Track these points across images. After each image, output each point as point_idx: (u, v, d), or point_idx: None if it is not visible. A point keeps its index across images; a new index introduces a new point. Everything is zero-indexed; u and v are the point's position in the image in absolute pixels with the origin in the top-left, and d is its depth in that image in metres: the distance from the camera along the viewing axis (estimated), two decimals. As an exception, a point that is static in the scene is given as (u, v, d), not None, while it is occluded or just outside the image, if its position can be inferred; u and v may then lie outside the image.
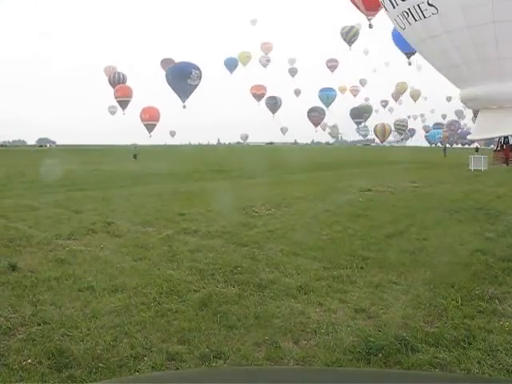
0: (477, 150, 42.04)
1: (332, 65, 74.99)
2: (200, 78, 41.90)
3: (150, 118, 52.30)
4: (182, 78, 40.47)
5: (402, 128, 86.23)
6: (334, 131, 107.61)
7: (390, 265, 6.11)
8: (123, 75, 59.76)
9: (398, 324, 4.26)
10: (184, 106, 42.39)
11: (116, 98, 55.96)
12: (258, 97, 71.65)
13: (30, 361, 3.61)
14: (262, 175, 20.37)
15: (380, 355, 3.65)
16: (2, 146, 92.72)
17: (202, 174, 21.61)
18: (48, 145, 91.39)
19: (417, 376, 1.79)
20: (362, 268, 6.02)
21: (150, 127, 52.37)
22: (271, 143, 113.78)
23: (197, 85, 41.77)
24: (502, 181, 17.85)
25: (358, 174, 21.27)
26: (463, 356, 3.67)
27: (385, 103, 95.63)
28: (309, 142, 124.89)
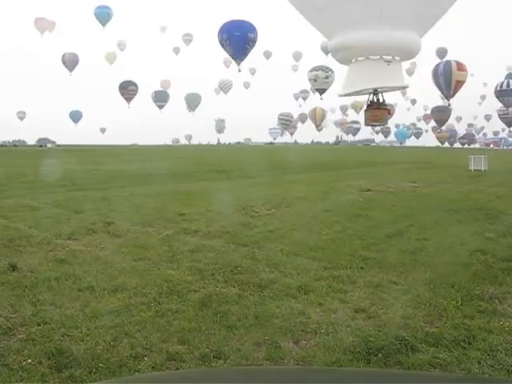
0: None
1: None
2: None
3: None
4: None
5: (285, 122, 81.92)
6: (219, 124, 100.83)
7: (390, 265, 6.11)
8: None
9: (398, 324, 4.26)
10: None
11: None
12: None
13: (30, 361, 3.61)
14: (261, 175, 20.37)
15: (380, 355, 3.66)
16: (1, 146, 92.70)
17: (201, 174, 21.60)
18: (48, 145, 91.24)
19: (417, 376, 1.79)
20: (362, 268, 6.02)
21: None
22: (271, 143, 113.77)
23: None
24: (501, 181, 17.84)
25: (357, 174, 21.27)
26: (463, 356, 3.67)
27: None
28: (309, 141, 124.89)
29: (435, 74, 41.04)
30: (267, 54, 73.48)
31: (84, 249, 7.05)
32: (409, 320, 4.36)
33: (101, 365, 3.54)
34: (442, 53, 67.31)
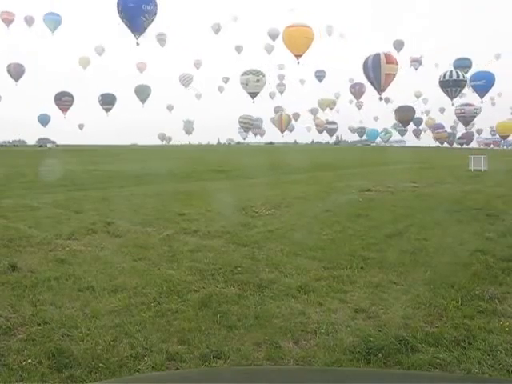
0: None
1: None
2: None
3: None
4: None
5: (246, 125, 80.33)
6: (187, 125, 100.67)
7: (390, 265, 6.11)
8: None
9: (398, 324, 4.26)
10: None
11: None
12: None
13: (30, 361, 3.61)
14: (261, 175, 20.37)
15: (380, 355, 3.66)
16: (1, 146, 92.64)
17: (201, 174, 21.60)
18: (48, 145, 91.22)
19: (417, 376, 1.80)
20: (362, 268, 6.02)
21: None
22: (271, 143, 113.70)
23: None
24: (501, 181, 17.84)
25: (357, 174, 21.28)
26: (463, 356, 3.67)
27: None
28: (309, 141, 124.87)
29: (365, 67, 39.00)
30: (238, 49, 73.93)
31: (84, 249, 7.05)
32: (409, 320, 4.36)
33: (101, 365, 3.54)
34: (399, 45, 67.02)
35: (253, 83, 50.41)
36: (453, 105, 52.65)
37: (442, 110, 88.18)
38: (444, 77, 48.26)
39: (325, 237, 7.90)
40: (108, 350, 3.77)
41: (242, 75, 51.48)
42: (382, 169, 26.92)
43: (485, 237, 7.89)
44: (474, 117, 58.92)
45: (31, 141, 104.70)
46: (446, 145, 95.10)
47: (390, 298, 4.98)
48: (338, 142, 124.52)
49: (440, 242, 7.52)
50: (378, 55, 39.01)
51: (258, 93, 51.35)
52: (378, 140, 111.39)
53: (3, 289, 5.22)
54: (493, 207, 11.15)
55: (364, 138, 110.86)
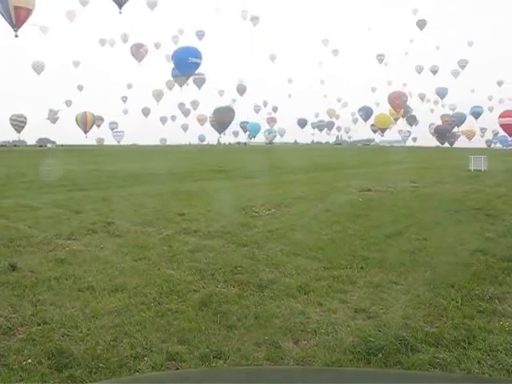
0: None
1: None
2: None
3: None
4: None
5: (19, 124, 76.09)
6: (51, 115, 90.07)
7: (390, 265, 6.11)
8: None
9: (398, 324, 4.26)
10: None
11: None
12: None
13: (29, 361, 3.61)
14: (261, 175, 20.36)
15: (380, 355, 3.66)
16: (1, 146, 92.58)
17: (201, 174, 21.60)
18: (48, 145, 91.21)
19: (417, 376, 1.80)
20: (362, 268, 6.01)
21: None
22: (271, 143, 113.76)
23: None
24: (501, 181, 17.84)
25: (357, 174, 21.26)
26: (463, 356, 3.67)
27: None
28: (309, 142, 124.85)
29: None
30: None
31: (84, 249, 7.05)
32: (409, 320, 4.36)
33: (101, 365, 3.54)
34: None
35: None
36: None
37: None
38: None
39: (325, 237, 7.90)
40: (108, 350, 3.77)
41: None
42: (381, 169, 26.91)
43: (485, 237, 7.89)
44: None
45: (31, 141, 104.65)
46: (446, 145, 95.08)
47: (390, 297, 4.98)
48: (338, 143, 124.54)
49: (440, 241, 7.51)
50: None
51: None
52: (378, 140, 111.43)
53: (3, 289, 5.22)
54: (493, 207, 11.15)
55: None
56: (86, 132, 75.17)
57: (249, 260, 6.44)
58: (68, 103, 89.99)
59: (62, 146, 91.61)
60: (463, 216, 9.98)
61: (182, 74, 48.16)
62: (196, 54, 49.00)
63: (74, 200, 12.28)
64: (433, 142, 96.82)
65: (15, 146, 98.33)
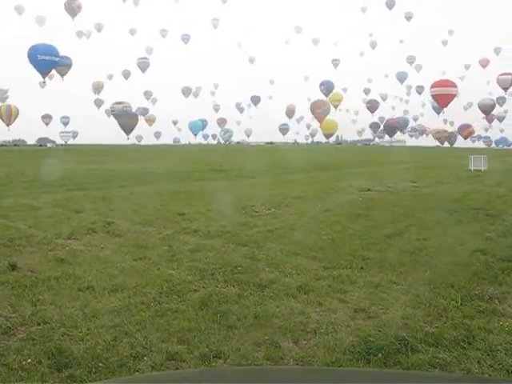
0: None
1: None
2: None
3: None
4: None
5: None
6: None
7: (390, 265, 6.11)
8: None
9: (398, 324, 4.26)
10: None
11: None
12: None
13: (29, 360, 3.61)
14: (261, 175, 20.37)
15: (380, 355, 3.65)
16: (1, 145, 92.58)
17: (201, 174, 21.58)
18: (48, 144, 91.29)
19: (416, 376, 1.80)
20: (361, 268, 6.01)
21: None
22: (271, 143, 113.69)
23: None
24: (501, 181, 17.84)
25: (357, 174, 21.26)
26: (463, 356, 3.67)
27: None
28: (309, 141, 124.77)
29: None
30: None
31: (84, 248, 7.05)
32: (409, 320, 4.36)
33: (101, 364, 3.54)
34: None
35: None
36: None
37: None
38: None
39: (325, 236, 7.90)
40: (108, 350, 3.77)
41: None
42: (381, 169, 26.90)
43: (485, 237, 7.89)
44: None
45: (31, 140, 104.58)
46: (446, 144, 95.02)
47: (390, 297, 4.98)
48: (339, 143, 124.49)
49: (440, 241, 7.51)
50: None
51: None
52: (378, 140, 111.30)
53: (3, 288, 5.22)
54: (493, 207, 11.15)
55: (363, 137, 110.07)
56: (8, 125, 73.37)
57: (249, 260, 6.44)
58: None
59: (61, 145, 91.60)
60: (463, 216, 9.98)
61: (39, 71, 47.26)
62: (51, 51, 46.94)
63: (73, 199, 12.28)
64: (433, 142, 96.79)
65: (15, 145, 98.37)
